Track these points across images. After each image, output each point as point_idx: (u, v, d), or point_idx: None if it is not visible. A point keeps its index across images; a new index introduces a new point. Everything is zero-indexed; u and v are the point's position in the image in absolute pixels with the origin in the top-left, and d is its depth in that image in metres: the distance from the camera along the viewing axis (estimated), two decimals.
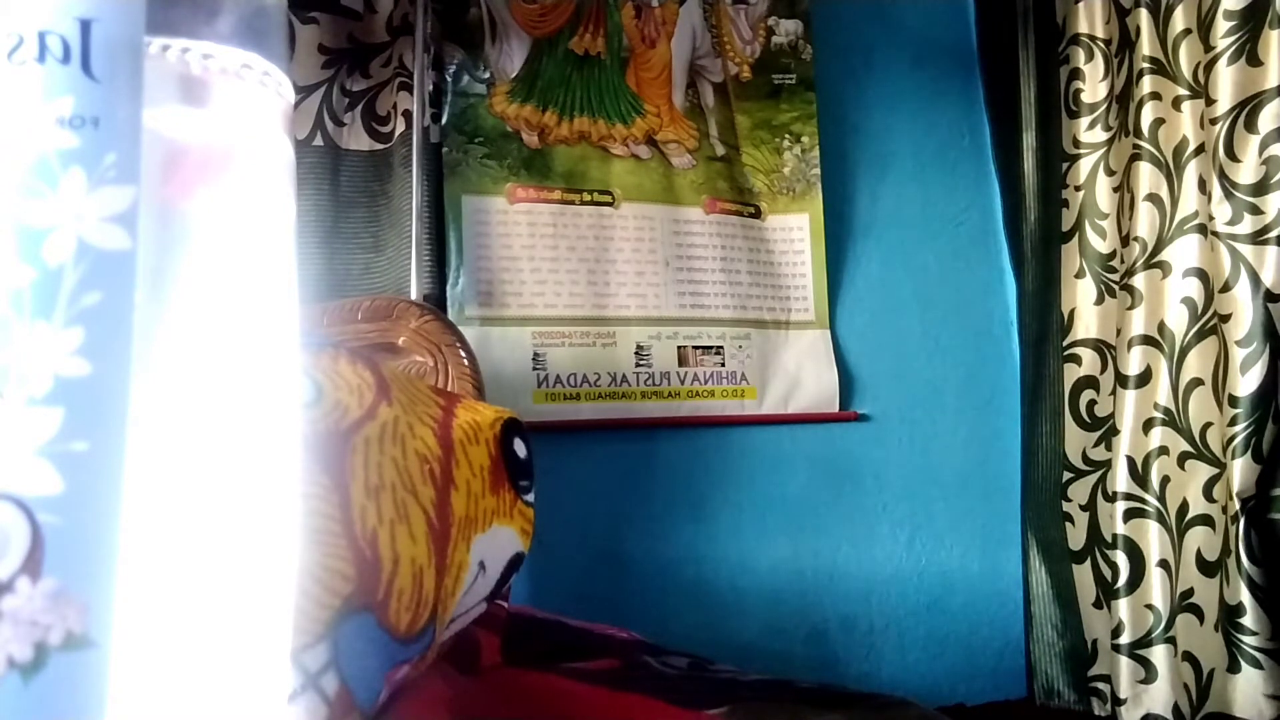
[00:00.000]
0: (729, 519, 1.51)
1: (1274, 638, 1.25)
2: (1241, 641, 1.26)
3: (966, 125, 1.77)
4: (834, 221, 1.62)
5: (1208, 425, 1.37)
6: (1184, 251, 1.39)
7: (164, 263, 0.19)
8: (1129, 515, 1.43)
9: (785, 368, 1.56)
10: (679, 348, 1.49)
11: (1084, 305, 1.58)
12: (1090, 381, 1.57)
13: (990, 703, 1.61)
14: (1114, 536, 1.45)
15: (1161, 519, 1.40)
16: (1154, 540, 1.40)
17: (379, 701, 0.48)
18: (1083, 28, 1.59)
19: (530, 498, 0.64)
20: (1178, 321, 1.40)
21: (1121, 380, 1.45)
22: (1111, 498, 1.46)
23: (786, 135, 1.61)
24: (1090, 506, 1.55)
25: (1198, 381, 1.38)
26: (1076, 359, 1.59)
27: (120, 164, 0.18)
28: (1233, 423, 1.28)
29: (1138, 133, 1.45)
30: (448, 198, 1.39)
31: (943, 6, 1.80)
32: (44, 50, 0.18)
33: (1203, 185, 1.36)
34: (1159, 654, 1.38)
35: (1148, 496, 1.42)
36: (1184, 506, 1.39)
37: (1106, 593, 1.48)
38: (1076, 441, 1.58)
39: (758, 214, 1.58)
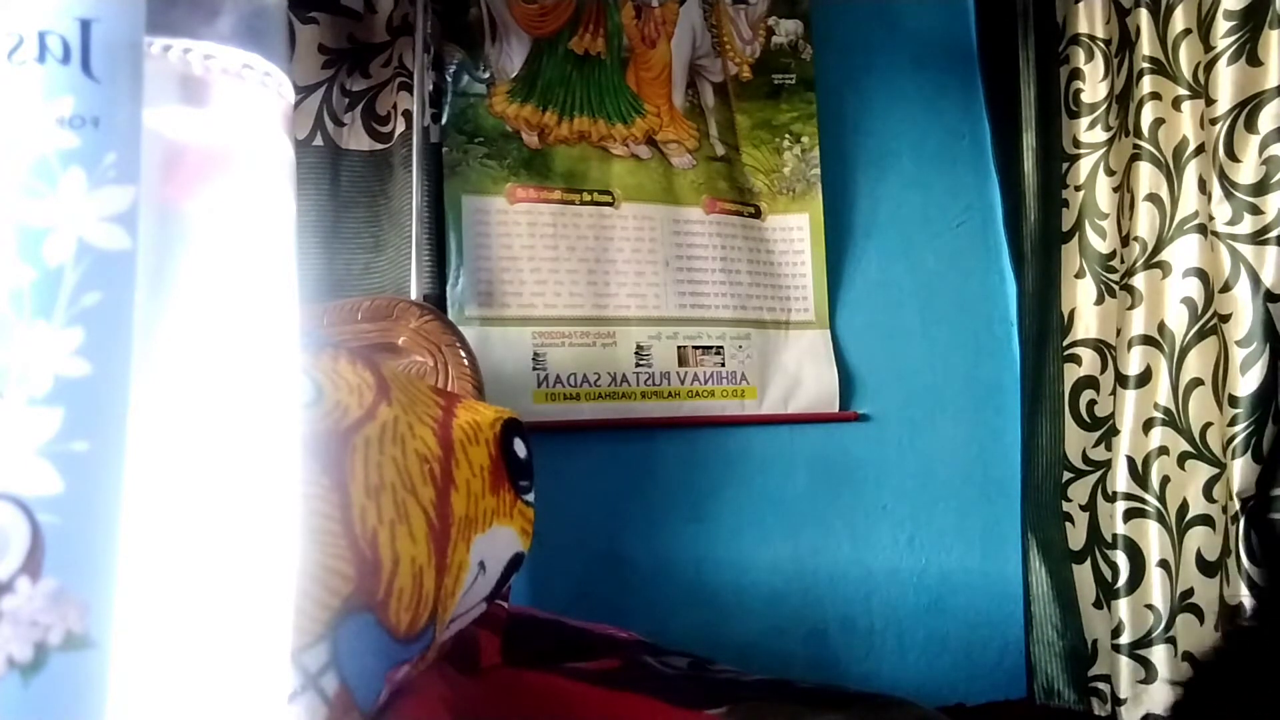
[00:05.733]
0: (729, 519, 1.51)
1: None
2: None
3: (966, 125, 1.77)
4: (834, 221, 1.62)
5: (1208, 425, 1.37)
6: (1184, 251, 1.39)
7: (164, 263, 0.19)
8: (1129, 515, 1.43)
9: (785, 368, 1.56)
10: (679, 348, 1.49)
11: (1084, 305, 1.58)
12: (1090, 381, 1.57)
13: (990, 703, 1.61)
14: (1114, 536, 1.45)
15: (1161, 519, 1.40)
16: (1154, 540, 1.40)
17: (379, 701, 0.48)
18: (1083, 28, 1.59)
19: (530, 498, 0.64)
20: (1178, 321, 1.40)
21: (1121, 380, 1.45)
22: (1111, 498, 1.46)
23: (786, 135, 1.61)
24: (1090, 506, 1.55)
25: (1198, 381, 1.38)
26: (1076, 359, 1.59)
27: (120, 164, 0.18)
28: (1233, 423, 1.28)
29: (1138, 133, 1.45)
30: (448, 198, 1.39)
31: (943, 6, 1.80)
32: (44, 50, 0.18)
33: (1203, 185, 1.36)
34: (1159, 654, 1.38)
35: (1148, 496, 1.41)
36: (1184, 506, 1.39)
37: (1106, 593, 1.48)
38: (1076, 441, 1.58)
39: (758, 214, 1.58)
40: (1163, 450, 1.40)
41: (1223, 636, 1.24)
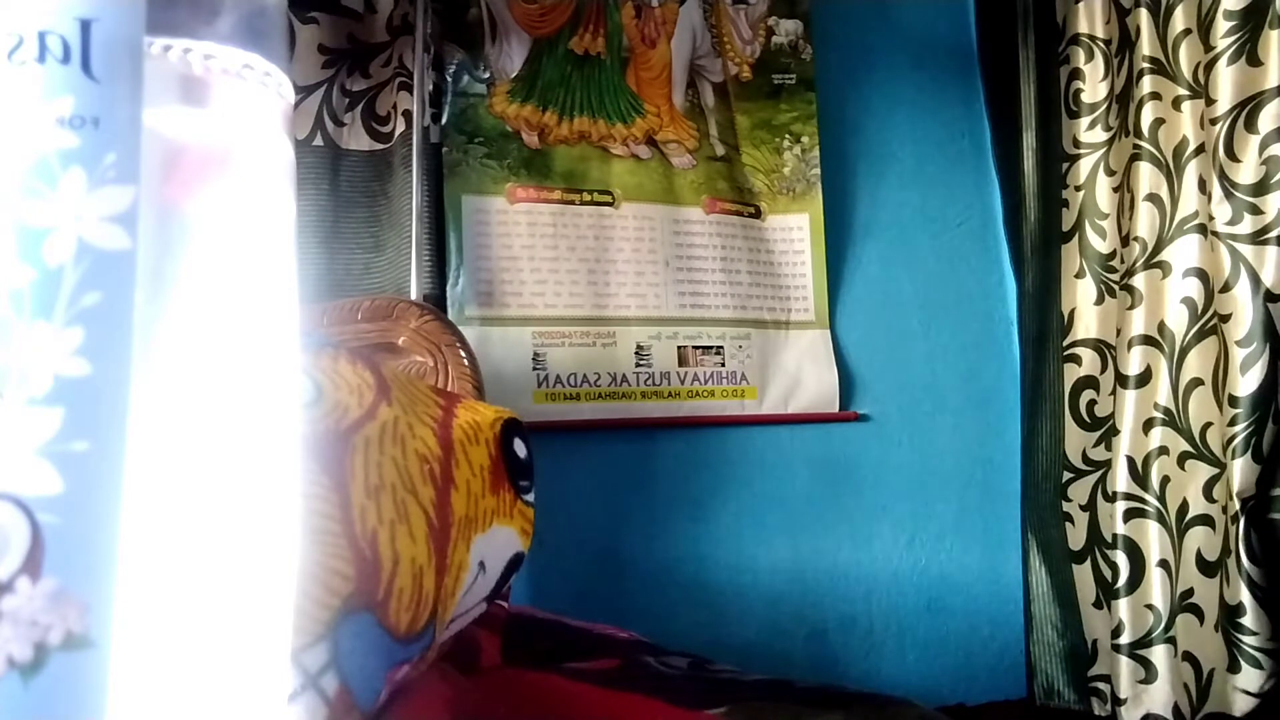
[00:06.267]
0: (729, 519, 1.51)
1: (1274, 638, 1.25)
2: (1241, 641, 1.26)
3: (966, 125, 1.77)
4: (834, 221, 1.62)
5: (1208, 425, 1.37)
6: (1184, 251, 1.39)
7: (164, 263, 0.19)
8: (1129, 515, 1.43)
9: (785, 368, 1.56)
10: (679, 348, 1.49)
11: (1084, 305, 1.58)
12: (1090, 381, 1.57)
13: (990, 703, 1.61)
14: (1114, 536, 1.45)
15: (1161, 519, 1.40)
16: (1154, 540, 1.40)
17: (379, 701, 0.48)
18: (1083, 28, 1.59)
19: (530, 498, 0.64)
20: (1178, 321, 1.40)
21: (1121, 380, 1.45)
22: (1111, 498, 1.46)
23: (786, 135, 1.61)
24: (1090, 506, 1.55)
25: (1198, 381, 1.38)
26: (1076, 359, 1.59)
27: (120, 164, 0.18)
28: (1233, 423, 1.28)
29: (1138, 133, 1.45)
30: (448, 198, 1.39)
31: (943, 6, 1.80)
32: (44, 50, 0.18)
33: (1203, 185, 1.36)
34: (1159, 654, 1.38)
35: (1148, 496, 1.42)
36: (1184, 506, 1.39)
37: (1106, 593, 1.48)
38: (1076, 441, 1.58)
39: (758, 214, 1.58)
40: (1163, 450, 1.40)
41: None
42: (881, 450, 1.62)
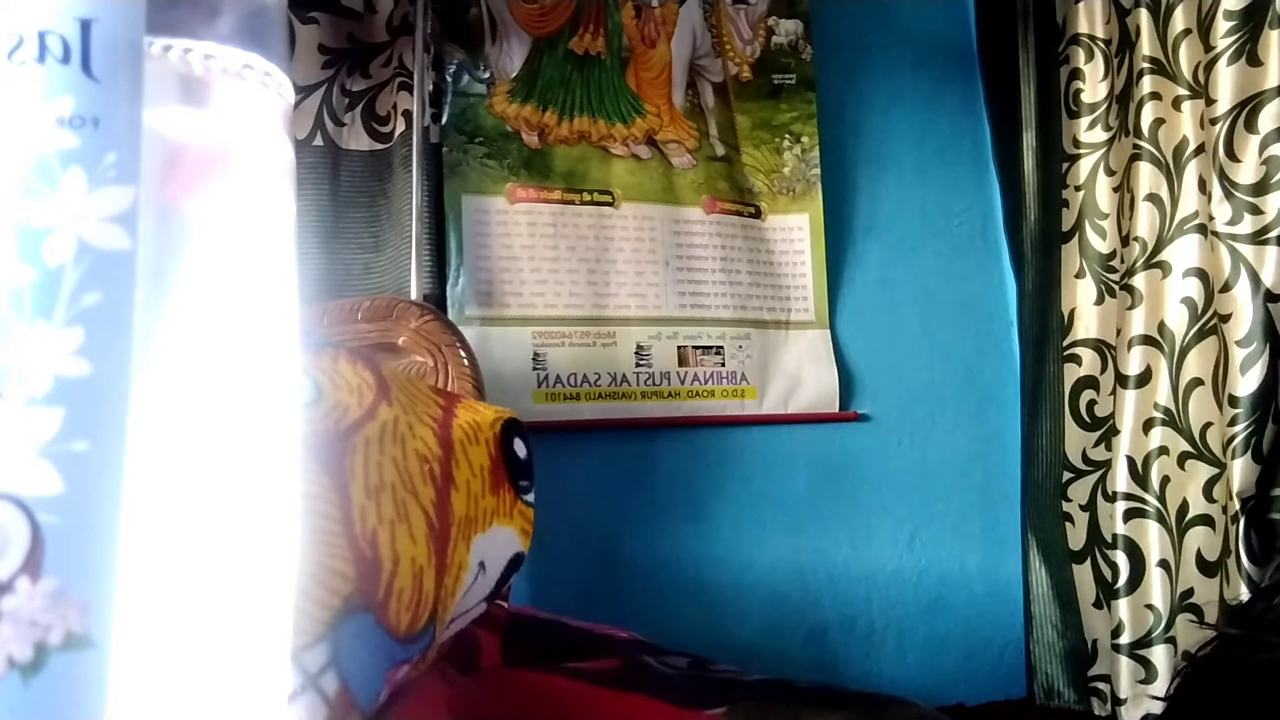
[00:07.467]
0: (729, 519, 1.51)
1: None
2: None
3: (966, 125, 1.77)
4: (834, 221, 1.62)
5: (1208, 425, 1.37)
6: (1184, 251, 1.39)
7: (164, 263, 0.19)
8: (1129, 515, 1.43)
9: (785, 368, 1.56)
10: (679, 348, 1.49)
11: (1084, 305, 1.58)
12: (1090, 381, 1.57)
13: (990, 703, 1.61)
14: (1114, 536, 1.45)
15: (1161, 519, 1.40)
16: (1154, 540, 1.40)
17: (379, 701, 0.48)
18: (1083, 28, 1.59)
19: (530, 498, 0.64)
20: (1178, 321, 1.40)
21: (1121, 380, 1.45)
22: (1111, 498, 1.46)
23: (786, 135, 1.61)
24: (1090, 506, 1.55)
25: (1198, 381, 1.38)
26: (1076, 359, 1.59)
27: (120, 164, 0.18)
28: (1233, 423, 1.28)
29: (1138, 133, 1.45)
30: (448, 198, 1.39)
31: (943, 6, 1.80)
32: (44, 50, 0.18)
33: (1203, 185, 1.36)
34: (1159, 654, 1.38)
35: (1148, 496, 1.41)
36: (1184, 506, 1.39)
37: (1106, 593, 1.48)
38: (1076, 441, 1.58)
39: (758, 214, 1.58)
40: (1163, 450, 1.40)
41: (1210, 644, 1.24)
42: (881, 450, 1.62)
